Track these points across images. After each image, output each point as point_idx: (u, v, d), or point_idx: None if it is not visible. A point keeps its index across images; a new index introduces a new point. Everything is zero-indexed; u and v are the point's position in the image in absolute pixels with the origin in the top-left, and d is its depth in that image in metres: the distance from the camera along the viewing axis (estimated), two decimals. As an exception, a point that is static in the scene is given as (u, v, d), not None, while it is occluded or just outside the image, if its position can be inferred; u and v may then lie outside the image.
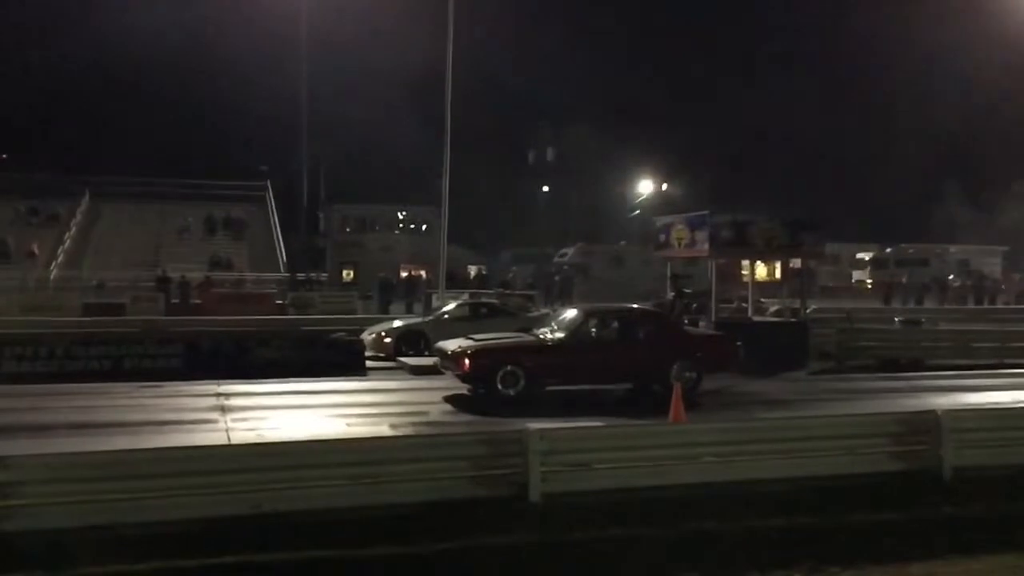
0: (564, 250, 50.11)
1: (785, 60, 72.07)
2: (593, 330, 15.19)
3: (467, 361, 14.36)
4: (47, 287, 35.45)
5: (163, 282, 32.93)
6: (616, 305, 18.20)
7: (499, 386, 14.25)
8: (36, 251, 39.89)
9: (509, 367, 14.26)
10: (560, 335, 14.95)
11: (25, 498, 7.39)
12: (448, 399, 14.65)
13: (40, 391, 14.90)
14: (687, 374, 14.75)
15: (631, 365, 14.94)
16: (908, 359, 19.71)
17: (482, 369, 14.38)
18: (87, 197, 44.93)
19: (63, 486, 7.54)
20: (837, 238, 44.21)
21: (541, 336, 15.25)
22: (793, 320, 21.29)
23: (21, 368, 16.41)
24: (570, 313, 16.18)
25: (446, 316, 20.81)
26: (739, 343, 15.96)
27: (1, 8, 65.03)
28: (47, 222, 43.19)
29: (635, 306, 18.38)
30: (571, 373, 14.64)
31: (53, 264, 39.02)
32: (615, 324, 15.55)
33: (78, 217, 43.57)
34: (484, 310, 21.43)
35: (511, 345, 15.05)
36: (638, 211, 62.07)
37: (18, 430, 11.73)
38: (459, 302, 22.66)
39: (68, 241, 41.39)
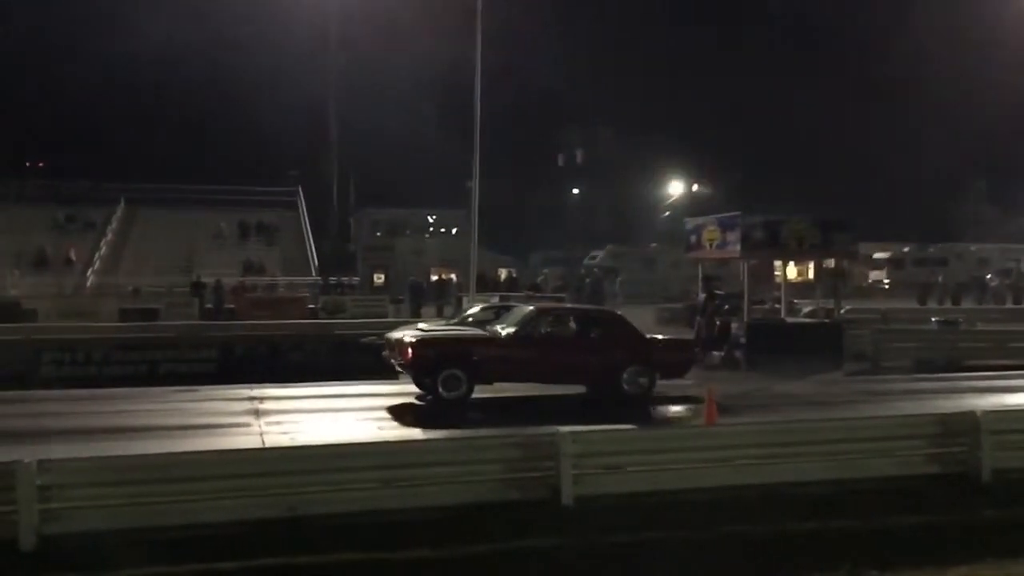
0: (594, 252, 50.04)
1: (812, 59, 71.49)
2: (544, 328, 14.97)
3: (410, 351, 14.09)
4: (84, 293, 35.98)
5: (197, 287, 33.29)
6: (571, 305, 18.02)
7: (440, 388, 13.94)
8: (73, 257, 40.47)
9: (452, 369, 13.94)
10: (510, 330, 14.73)
11: (65, 501, 7.50)
12: (478, 402, 14.65)
13: (77, 396, 15.08)
14: (640, 379, 14.52)
15: (581, 366, 14.58)
16: (945, 360, 19.46)
17: (424, 359, 14.09)
18: (122, 204, 45.48)
19: (102, 489, 7.65)
20: (866, 238, 43.77)
21: (490, 330, 15.07)
22: (827, 321, 21.08)
23: (59, 373, 16.67)
24: (523, 309, 15.92)
25: (470, 319, 20.70)
26: (696, 349, 16.02)
27: (41, 17, 66.20)
28: (84, 229, 43.74)
29: (591, 307, 18.23)
30: (517, 369, 14.32)
31: (90, 270, 39.56)
32: (568, 323, 15.43)
33: (114, 224, 44.11)
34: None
35: (457, 336, 14.98)
36: (668, 212, 61.85)
37: (56, 434, 11.86)
38: (484, 305, 22.47)
39: (104, 247, 41.92)
